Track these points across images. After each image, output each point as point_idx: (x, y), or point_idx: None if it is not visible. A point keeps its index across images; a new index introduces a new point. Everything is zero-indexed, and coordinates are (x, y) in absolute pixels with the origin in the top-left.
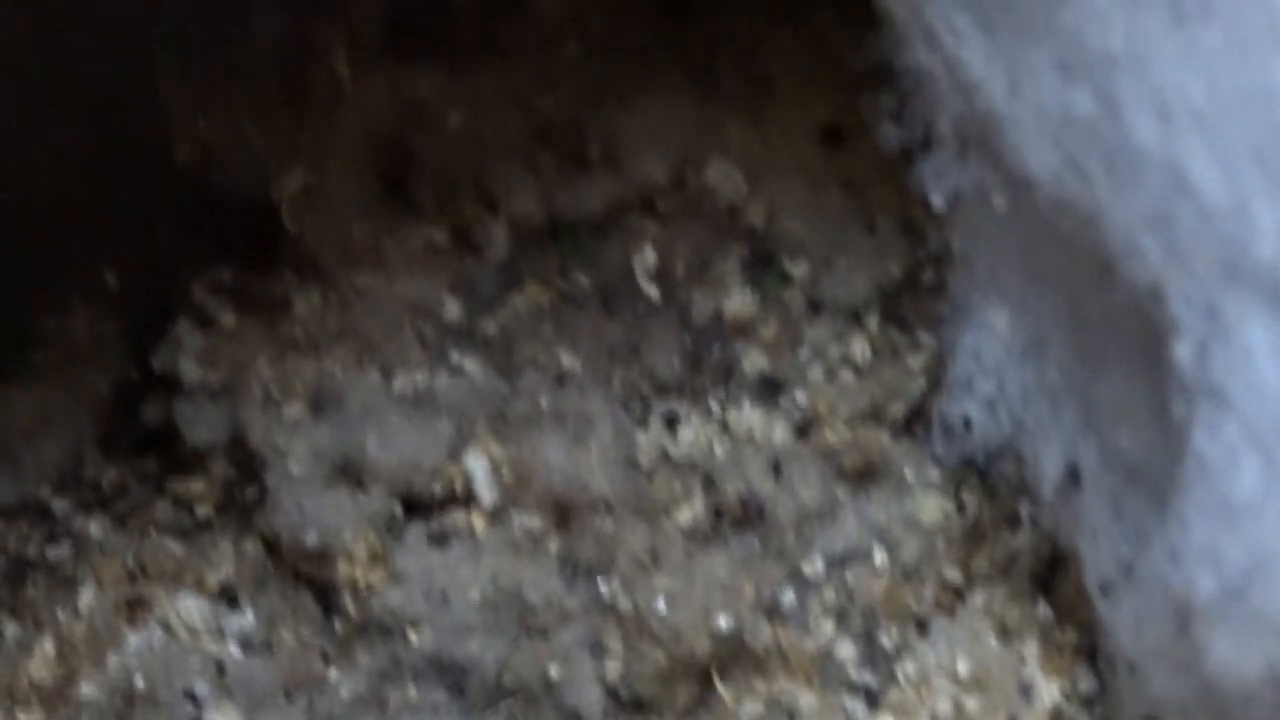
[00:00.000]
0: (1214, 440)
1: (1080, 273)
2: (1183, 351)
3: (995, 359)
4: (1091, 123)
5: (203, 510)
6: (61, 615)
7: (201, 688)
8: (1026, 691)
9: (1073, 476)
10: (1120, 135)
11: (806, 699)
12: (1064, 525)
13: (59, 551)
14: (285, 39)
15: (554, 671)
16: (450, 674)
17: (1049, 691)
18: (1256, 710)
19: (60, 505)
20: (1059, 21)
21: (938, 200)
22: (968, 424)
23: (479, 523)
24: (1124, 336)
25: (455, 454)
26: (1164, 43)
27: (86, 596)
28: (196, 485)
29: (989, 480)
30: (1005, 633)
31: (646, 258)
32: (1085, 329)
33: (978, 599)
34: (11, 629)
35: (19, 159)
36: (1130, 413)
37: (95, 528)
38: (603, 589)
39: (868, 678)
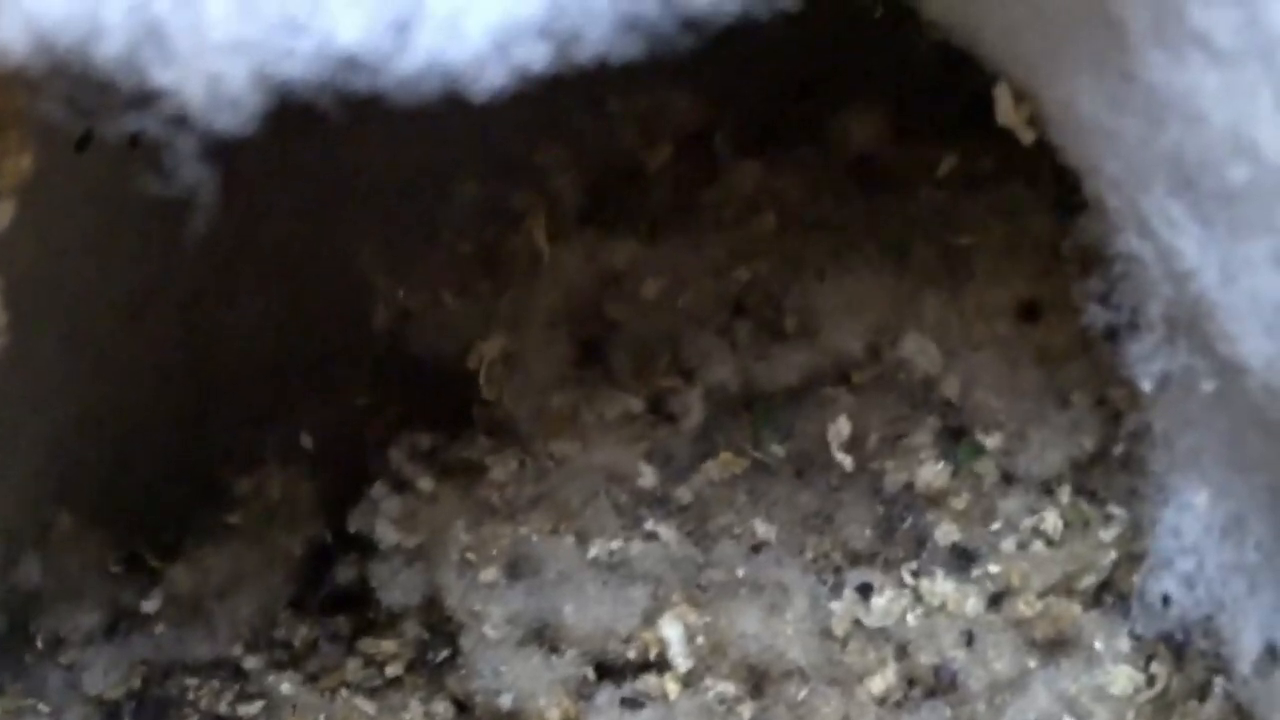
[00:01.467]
0: None
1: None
2: None
3: (1195, 537)
4: None
5: (393, 670)
6: None
7: None
8: None
9: (1271, 654)
10: None
11: None
12: (1260, 701)
13: (251, 709)
14: (483, 207)
15: None
16: None
17: None
18: None
19: (252, 663)
20: (1276, 217)
21: (1145, 383)
22: (1166, 601)
23: (672, 688)
24: None
25: (650, 620)
26: None
27: None
28: (388, 645)
29: (1184, 654)
30: None
31: (840, 428)
32: (1258, 502)
33: None
34: None
35: (217, 324)
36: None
37: (287, 686)
38: None
39: None
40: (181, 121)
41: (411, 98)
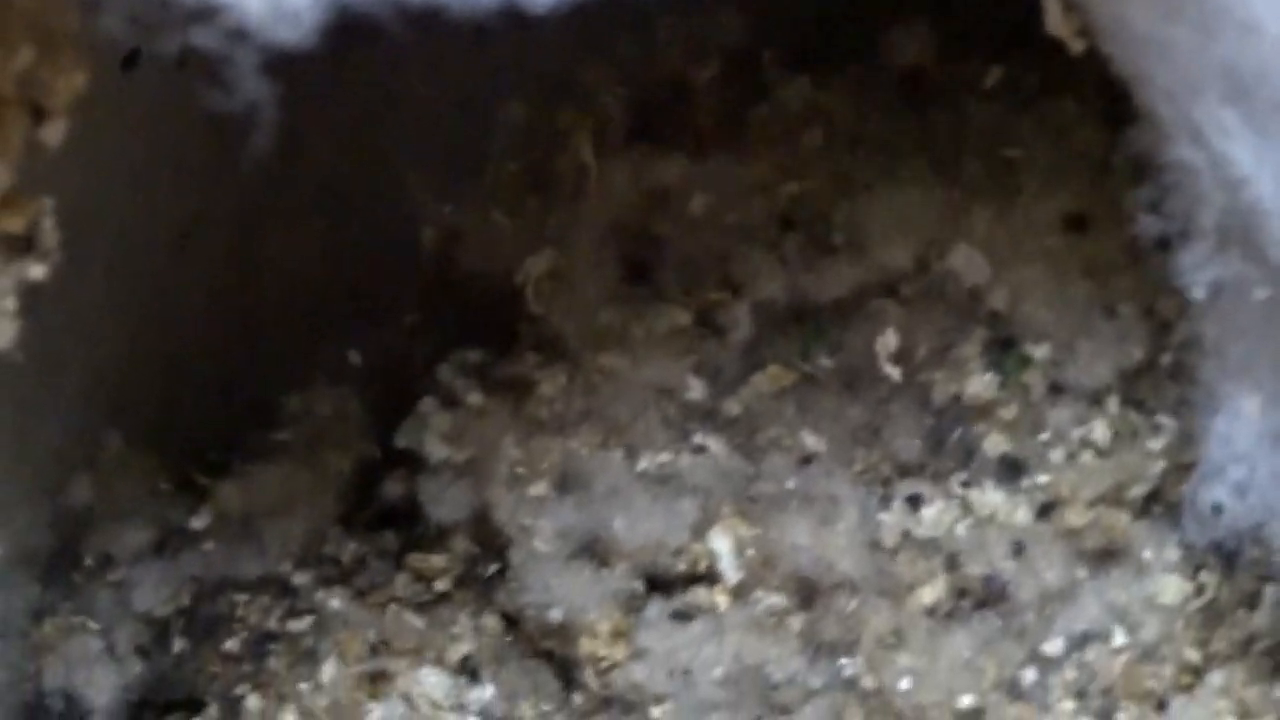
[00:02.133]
0: None
1: None
2: None
3: (1246, 445)
4: None
5: (442, 585)
6: (304, 688)
7: None
8: None
9: None
10: None
11: None
12: None
13: (300, 625)
14: (531, 127)
15: None
16: None
17: None
18: None
19: (301, 579)
20: None
21: (1198, 291)
22: (1218, 509)
23: (722, 601)
24: None
25: (699, 533)
26: None
27: (328, 670)
28: (437, 560)
29: (1234, 563)
30: (1245, 713)
31: (888, 340)
32: None
33: (1216, 679)
34: (254, 701)
35: (267, 245)
36: None
37: (336, 602)
38: (845, 667)
39: None
40: (241, 35)
41: (469, 12)
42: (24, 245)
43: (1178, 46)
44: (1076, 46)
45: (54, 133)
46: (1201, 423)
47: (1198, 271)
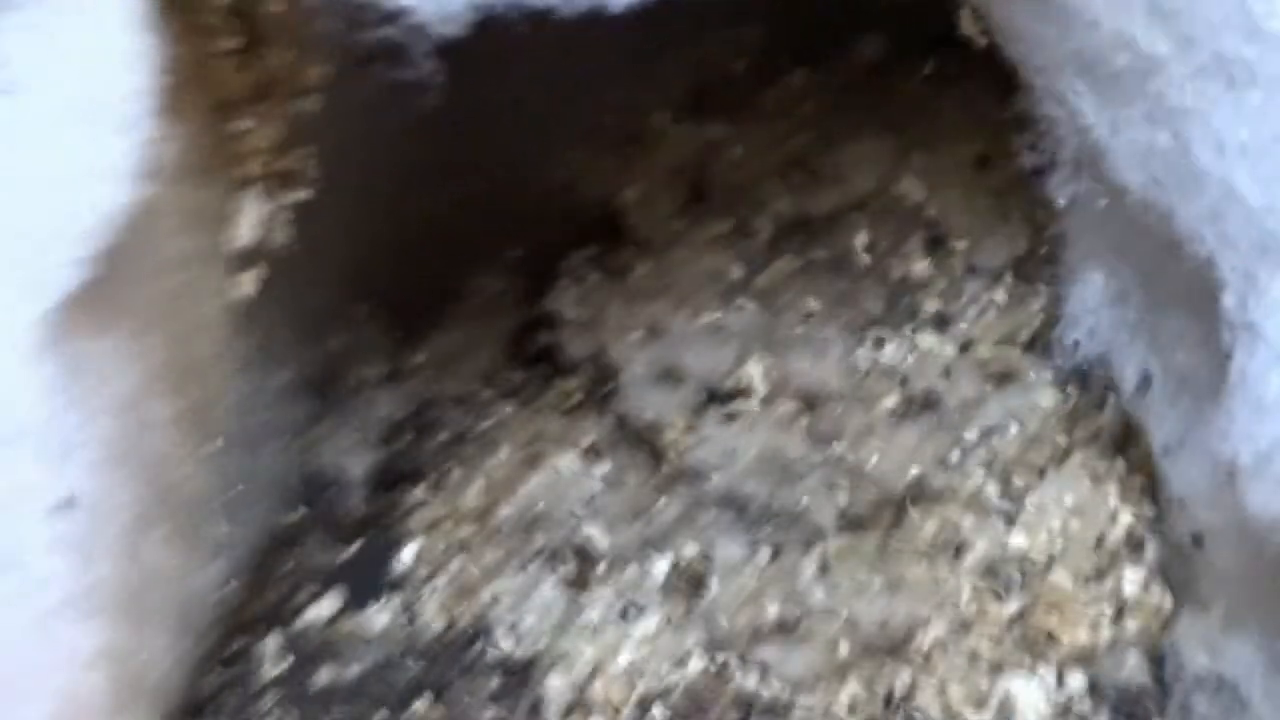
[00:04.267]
0: (1251, 359)
1: (1156, 250)
2: (1229, 301)
3: (1095, 303)
4: (1167, 154)
5: (576, 398)
6: (488, 464)
7: (579, 509)
8: (1111, 516)
9: (1145, 380)
10: (1188, 162)
11: (967, 519)
12: (1138, 411)
13: (486, 424)
14: (626, 103)
15: (804, 501)
16: (736, 504)
17: (1125, 516)
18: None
19: (486, 395)
20: (1147, 87)
21: (1061, 201)
22: (1076, 345)
23: (755, 407)
24: (1186, 292)
25: (741, 363)
26: (1221, 101)
27: (504, 452)
28: (572, 383)
29: (1088, 380)
30: (1096, 478)
31: (861, 239)
32: (1154, 287)
33: (1077, 456)
34: (456, 473)
35: (452, 186)
36: (1184, 342)
37: (508, 409)
38: (835, 449)
39: (1006, 506)
40: (419, 29)
41: (572, 11)
42: (294, 178)
43: (1046, 39)
44: (980, 42)
45: (311, 104)
46: (1065, 289)
47: (1060, 190)
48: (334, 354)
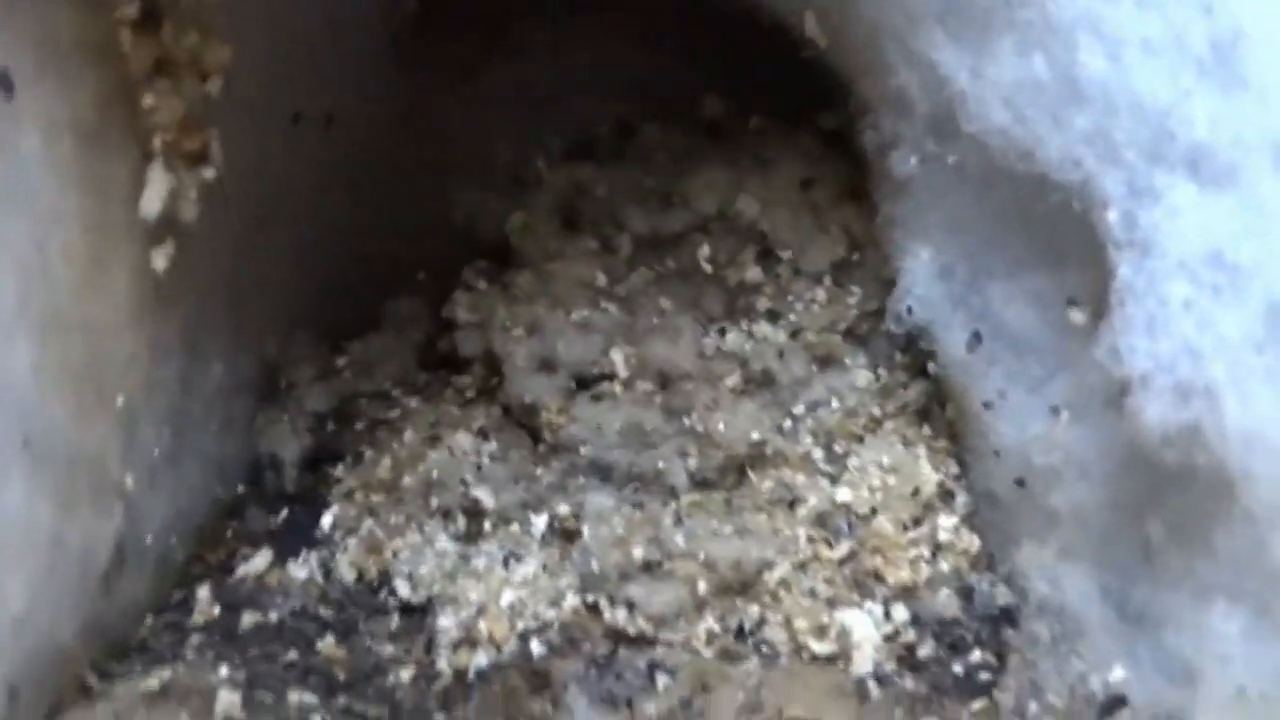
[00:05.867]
0: (1138, 274)
1: (993, 217)
2: (1113, 217)
3: (923, 276)
4: (1041, 82)
5: (470, 394)
6: (395, 445)
7: (470, 478)
8: (923, 473)
9: (975, 338)
10: (1068, 83)
11: (799, 478)
12: (959, 374)
13: (394, 414)
14: (511, 155)
15: (661, 465)
16: (603, 470)
17: (935, 474)
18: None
19: (396, 392)
20: (1019, 16)
21: (901, 173)
22: (909, 310)
23: (618, 389)
24: (1021, 255)
25: (605, 352)
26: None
27: (408, 436)
28: (466, 380)
29: (914, 345)
30: (906, 442)
31: (704, 252)
32: (982, 258)
33: (889, 425)
34: (369, 454)
35: (379, 225)
36: (1012, 304)
37: (414, 402)
38: (686, 421)
39: (830, 468)
40: None
41: None
42: (200, 158)
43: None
44: (822, 42)
45: (214, 86)
46: (897, 264)
47: (902, 164)
48: (270, 361)
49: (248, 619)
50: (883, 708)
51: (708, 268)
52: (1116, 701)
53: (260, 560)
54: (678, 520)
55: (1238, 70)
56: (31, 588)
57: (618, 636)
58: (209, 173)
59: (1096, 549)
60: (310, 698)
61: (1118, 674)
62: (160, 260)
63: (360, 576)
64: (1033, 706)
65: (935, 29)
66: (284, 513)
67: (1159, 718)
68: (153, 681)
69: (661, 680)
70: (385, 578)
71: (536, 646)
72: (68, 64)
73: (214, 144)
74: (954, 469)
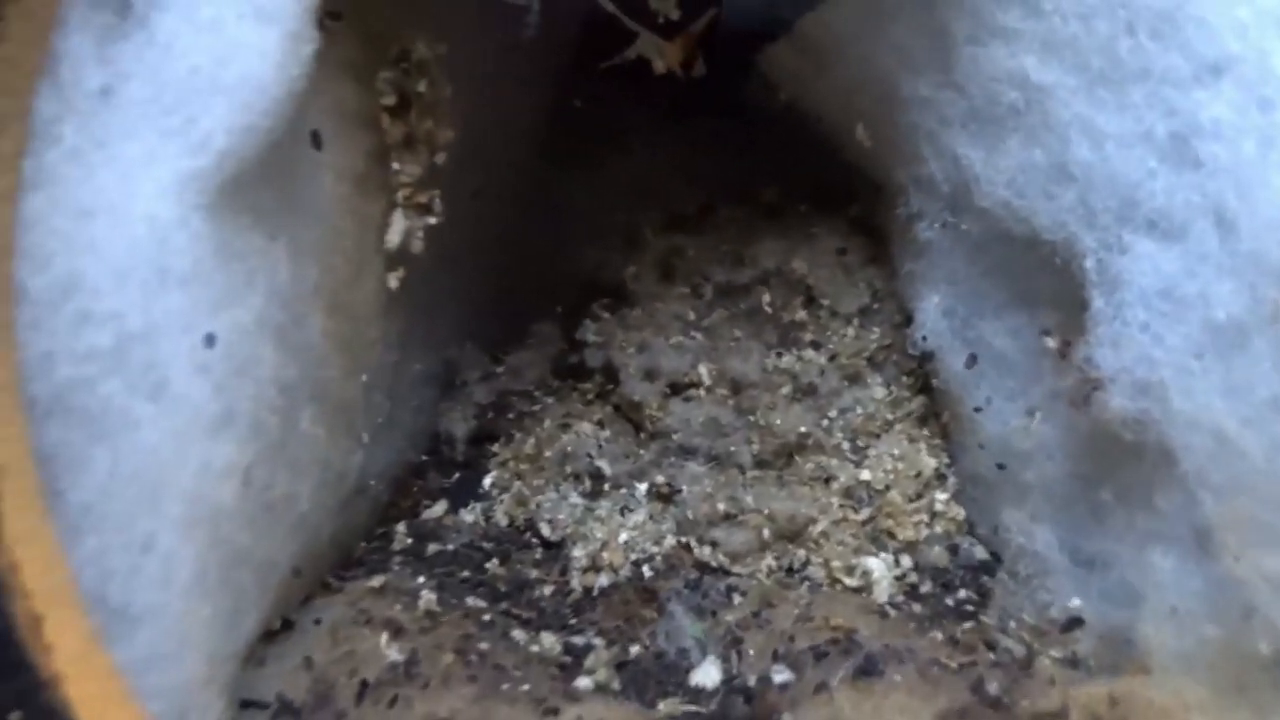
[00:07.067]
0: (1108, 303)
1: (985, 273)
2: (1090, 264)
3: (932, 315)
4: (1038, 166)
5: (590, 395)
6: (537, 429)
7: (592, 453)
8: (923, 462)
9: (973, 359)
10: (1059, 167)
11: (832, 462)
12: (959, 387)
13: (536, 407)
14: (625, 224)
15: (732, 449)
16: (690, 453)
17: (932, 462)
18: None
19: (538, 392)
20: (1025, 121)
21: (923, 238)
22: (925, 338)
23: (702, 393)
24: (1006, 300)
25: (694, 366)
26: (1105, 106)
27: (547, 424)
28: (588, 384)
29: (926, 364)
30: (911, 440)
31: (765, 298)
32: (975, 302)
33: (899, 427)
34: (518, 435)
35: (526, 272)
36: (998, 335)
37: (551, 400)
38: (751, 417)
39: (855, 456)
40: None
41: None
42: (427, 209)
43: (940, 108)
44: (868, 144)
45: (440, 159)
46: (913, 306)
47: (926, 231)
48: (450, 363)
49: (432, 548)
50: (900, 622)
51: (768, 310)
52: (1075, 622)
53: (439, 508)
54: (745, 487)
55: (1190, 155)
56: (313, 495)
57: (704, 567)
58: (432, 220)
59: (1058, 511)
60: (481, 602)
61: (1075, 602)
62: (393, 280)
63: (511, 522)
64: (1011, 624)
65: (960, 130)
66: (455, 476)
67: (1108, 631)
68: (375, 582)
69: (736, 598)
70: (530, 523)
71: (646, 571)
72: (350, 128)
73: (437, 200)
74: (946, 459)
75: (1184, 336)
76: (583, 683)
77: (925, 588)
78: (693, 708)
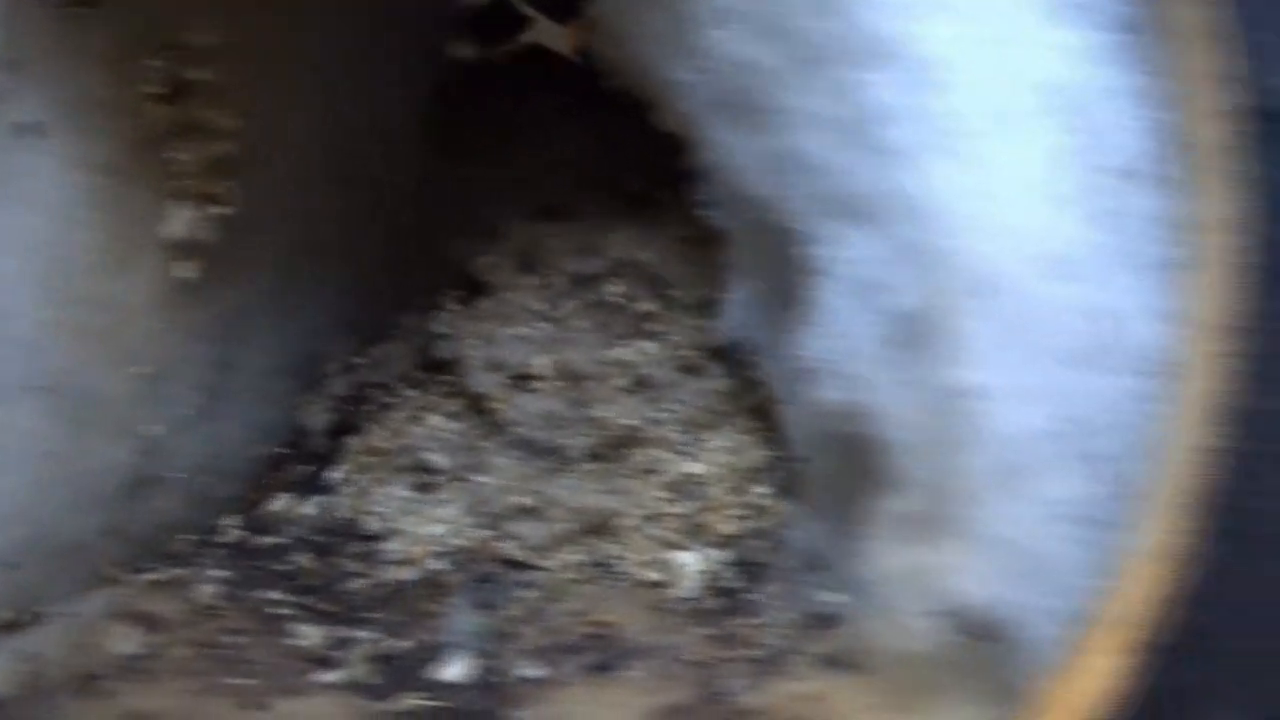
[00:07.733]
0: (821, 293)
1: (774, 262)
2: (810, 252)
3: (744, 305)
4: (775, 153)
5: (447, 388)
6: (389, 423)
7: (434, 446)
8: (751, 455)
9: (794, 371)
10: (791, 155)
11: (663, 455)
12: (769, 380)
13: (394, 400)
14: (488, 215)
15: (568, 442)
16: (527, 444)
17: (760, 455)
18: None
19: (397, 385)
20: (761, 106)
21: (727, 227)
22: (741, 329)
23: (543, 385)
24: (789, 289)
25: (532, 357)
26: (813, 91)
27: (401, 413)
28: (450, 377)
29: (746, 355)
30: (743, 432)
31: (617, 289)
32: (773, 293)
33: (732, 420)
34: (374, 428)
35: (395, 261)
36: (787, 326)
37: (412, 393)
38: (588, 411)
39: (688, 449)
40: None
41: None
42: (215, 199)
43: (699, 89)
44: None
45: (227, 148)
46: (730, 295)
47: (722, 219)
48: (314, 354)
49: (267, 541)
50: (675, 619)
51: (620, 301)
52: (829, 619)
53: (282, 502)
54: (568, 480)
55: (874, 141)
56: (31, 489)
57: (505, 562)
58: (226, 210)
59: (830, 505)
60: (276, 595)
61: (832, 598)
62: (186, 270)
63: (354, 516)
64: (783, 620)
65: (717, 117)
66: (310, 468)
67: (856, 627)
68: (161, 575)
69: (524, 593)
70: (363, 516)
71: (446, 565)
72: (96, 118)
73: (233, 190)
74: (773, 453)
75: (873, 326)
76: (327, 677)
77: (733, 583)
78: (433, 703)
